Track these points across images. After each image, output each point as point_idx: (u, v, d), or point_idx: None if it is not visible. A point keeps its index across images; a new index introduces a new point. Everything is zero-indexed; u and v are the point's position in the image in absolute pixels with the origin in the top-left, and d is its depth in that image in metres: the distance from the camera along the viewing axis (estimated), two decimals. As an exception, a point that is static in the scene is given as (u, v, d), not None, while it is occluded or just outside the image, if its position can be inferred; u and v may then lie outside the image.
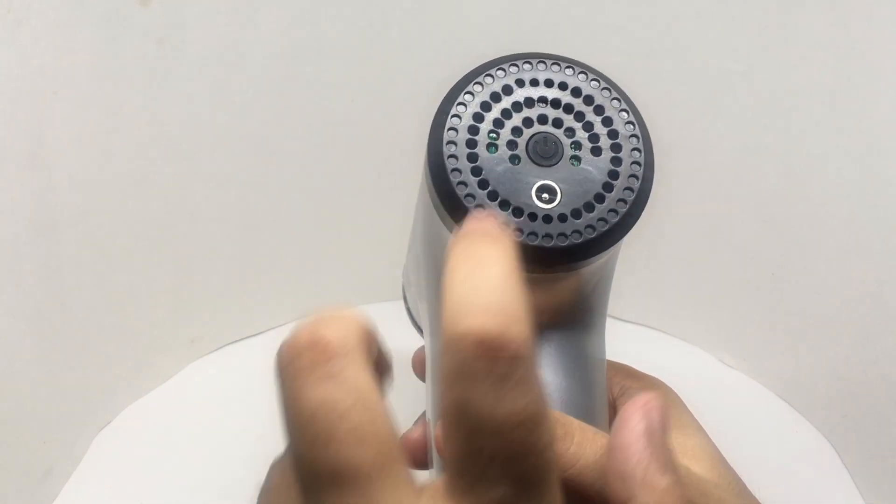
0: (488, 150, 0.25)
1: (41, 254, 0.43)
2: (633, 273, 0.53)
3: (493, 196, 0.25)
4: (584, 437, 0.24)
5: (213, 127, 0.47)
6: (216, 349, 0.54)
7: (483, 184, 0.25)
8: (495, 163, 0.25)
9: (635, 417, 0.21)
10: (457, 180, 0.25)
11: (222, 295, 0.53)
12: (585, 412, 0.27)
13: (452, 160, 0.25)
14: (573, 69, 0.26)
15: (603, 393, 0.30)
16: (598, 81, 0.26)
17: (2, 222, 0.40)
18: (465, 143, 0.25)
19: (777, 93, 0.46)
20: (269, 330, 0.55)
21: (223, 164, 0.49)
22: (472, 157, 0.25)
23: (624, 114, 0.26)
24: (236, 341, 0.55)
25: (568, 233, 0.25)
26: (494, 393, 0.17)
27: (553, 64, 0.26)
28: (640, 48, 0.47)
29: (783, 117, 0.47)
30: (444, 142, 0.25)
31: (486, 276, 0.18)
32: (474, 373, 0.17)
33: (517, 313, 0.18)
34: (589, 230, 0.25)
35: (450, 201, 0.25)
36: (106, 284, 0.47)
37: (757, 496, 0.30)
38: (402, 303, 0.38)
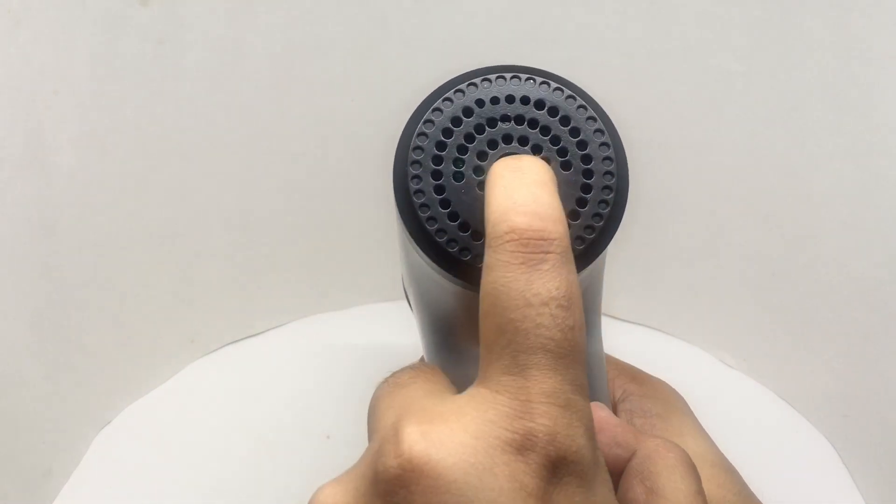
0: (455, 179, 0.24)
1: (41, 254, 0.43)
2: (633, 273, 0.53)
3: (464, 227, 0.24)
4: None
5: (213, 127, 0.47)
6: (216, 349, 0.54)
7: (453, 216, 0.24)
8: (463, 192, 0.24)
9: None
10: (426, 215, 0.24)
11: (222, 295, 0.53)
12: None
13: (419, 195, 0.24)
14: (534, 80, 0.25)
15: (604, 390, 0.30)
16: (562, 90, 0.25)
17: (2, 222, 0.40)
18: (430, 174, 0.24)
19: (777, 93, 0.46)
20: (269, 330, 0.55)
21: (223, 164, 0.49)
22: (439, 190, 0.24)
23: (591, 122, 0.24)
24: (236, 341, 0.55)
25: None
26: (528, 276, 0.20)
27: (512, 77, 0.25)
28: (640, 48, 0.47)
29: (783, 117, 0.47)
30: (410, 176, 0.24)
31: (526, 182, 0.22)
32: (511, 260, 0.21)
33: (554, 214, 0.21)
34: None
35: (420, 236, 0.24)
36: (106, 284, 0.47)
37: (757, 496, 0.30)
38: (402, 303, 0.38)
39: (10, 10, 0.38)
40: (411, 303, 0.31)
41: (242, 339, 0.55)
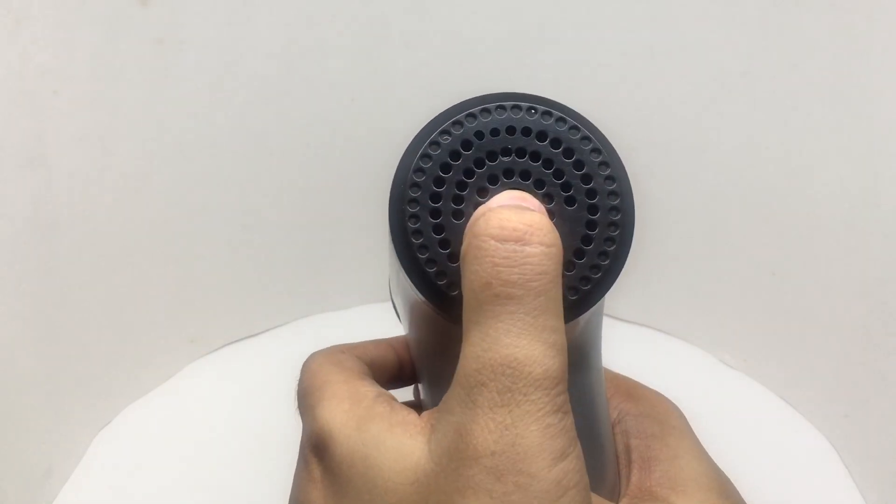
0: (454, 218, 0.23)
1: (41, 254, 0.43)
2: (632, 273, 0.53)
3: None
4: None
5: (213, 127, 0.47)
6: (216, 349, 0.54)
7: (452, 257, 0.23)
8: (463, 231, 0.23)
9: None
10: (424, 257, 0.23)
11: (222, 295, 0.53)
12: (591, 453, 0.25)
13: (417, 236, 0.23)
14: (535, 110, 0.23)
15: (607, 429, 0.29)
16: (564, 121, 0.23)
17: (2, 222, 0.40)
18: (429, 213, 0.23)
19: (777, 93, 0.46)
20: (269, 330, 0.55)
21: (223, 164, 0.49)
22: (438, 229, 0.23)
23: (595, 154, 0.23)
24: (236, 341, 0.54)
25: None
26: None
27: (513, 107, 0.23)
28: (640, 48, 0.47)
29: (783, 117, 0.47)
30: (407, 215, 0.23)
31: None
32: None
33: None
34: (571, 292, 0.23)
35: (418, 278, 0.23)
36: (106, 284, 0.47)
37: (756, 497, 0.30)
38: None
39: (11, 10, 0.38)
40: (403, 322, 0.30)
41: (242, 339, 0.55)
